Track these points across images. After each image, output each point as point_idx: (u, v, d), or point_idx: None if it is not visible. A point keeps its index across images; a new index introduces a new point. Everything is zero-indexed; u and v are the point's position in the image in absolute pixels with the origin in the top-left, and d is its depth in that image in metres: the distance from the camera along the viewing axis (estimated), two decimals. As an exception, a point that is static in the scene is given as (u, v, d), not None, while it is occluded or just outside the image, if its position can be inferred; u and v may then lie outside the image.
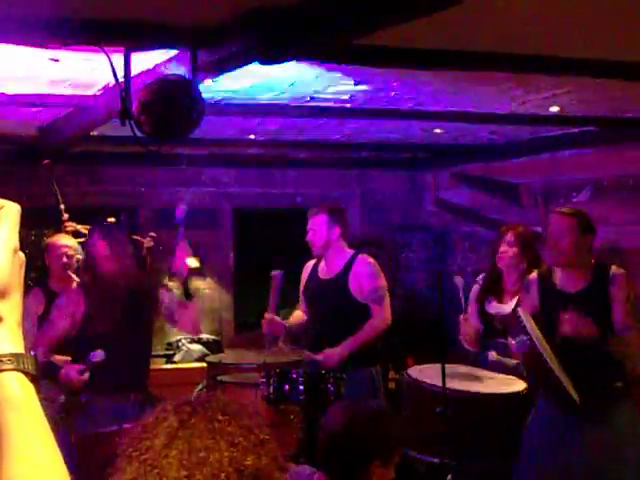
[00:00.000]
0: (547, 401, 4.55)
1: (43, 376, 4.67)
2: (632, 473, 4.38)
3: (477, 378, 4.82)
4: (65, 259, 5.58)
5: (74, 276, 5.61)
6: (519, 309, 4.50)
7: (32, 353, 1.11)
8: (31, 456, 1.05)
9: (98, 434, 4.16)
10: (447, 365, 4.34)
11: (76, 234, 6.01)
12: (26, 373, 1.09)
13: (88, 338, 4.72)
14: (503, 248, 5.16)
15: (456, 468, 4.33)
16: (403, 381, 5.07)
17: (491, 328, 5.15)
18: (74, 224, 6.02)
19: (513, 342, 4.54)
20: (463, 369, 4.97)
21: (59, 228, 5.88)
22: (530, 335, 4.31)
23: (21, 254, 1.13)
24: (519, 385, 4.65)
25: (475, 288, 5.36)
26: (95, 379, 4.61)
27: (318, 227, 5.54)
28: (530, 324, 4.34)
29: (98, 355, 4.59)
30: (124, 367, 4.72)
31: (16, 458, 1.04)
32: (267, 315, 5.52)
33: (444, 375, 4.20)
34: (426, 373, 4.68)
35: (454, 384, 4.48)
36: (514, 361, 4.88)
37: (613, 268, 4.43)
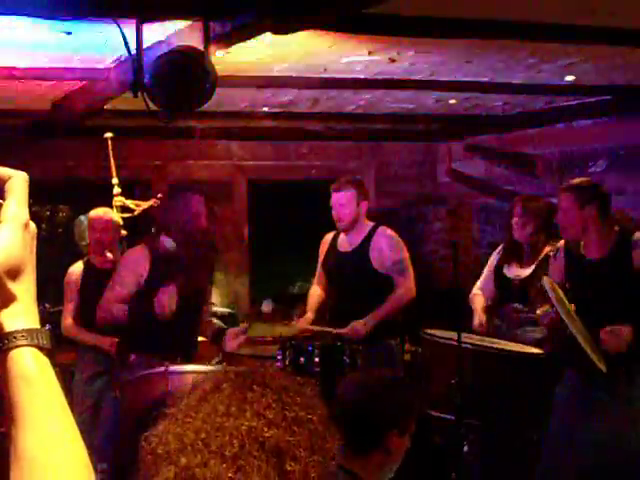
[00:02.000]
0: (574, 373, 4.56)
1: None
2: None
3: (492, 342, 4.95)
4: (98, 234, 5.59)
5: (109, 254, 5.63)
6: (544, 279, 4.51)
7: (47, 327, 1.10)
8: (46, 431, 1.04)
9: (143, 376, 4.22)
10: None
11: (124, 209, 6.04)
12: (41, 348, 1.08)
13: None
14: (514, 220, 5.26)
15: (472, 428, 4.39)
16: (422, 340, 5.20)
17: (507, 293, 5.24)
18: (123, 199, 6.03)
19: (538, 312, 4.60)
20: (477, 337, 5.04)
21: (76, 204, 5.92)
22: (554, 305, 4.32)
23: (32, 225, 1.10)
24: (535, 350, 4.79)
25: (494, 256, 5.44)
26: (149, 341, 4.58)
27: (347, 203, 5.46)
28: (555, 294, 4.35)
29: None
30: (181, 332, 4.70)
31: (31, 433, 1.04)
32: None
33: (460, 340, 4.31)
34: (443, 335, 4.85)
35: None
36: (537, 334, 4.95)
37: (637, 234, 4.43)
